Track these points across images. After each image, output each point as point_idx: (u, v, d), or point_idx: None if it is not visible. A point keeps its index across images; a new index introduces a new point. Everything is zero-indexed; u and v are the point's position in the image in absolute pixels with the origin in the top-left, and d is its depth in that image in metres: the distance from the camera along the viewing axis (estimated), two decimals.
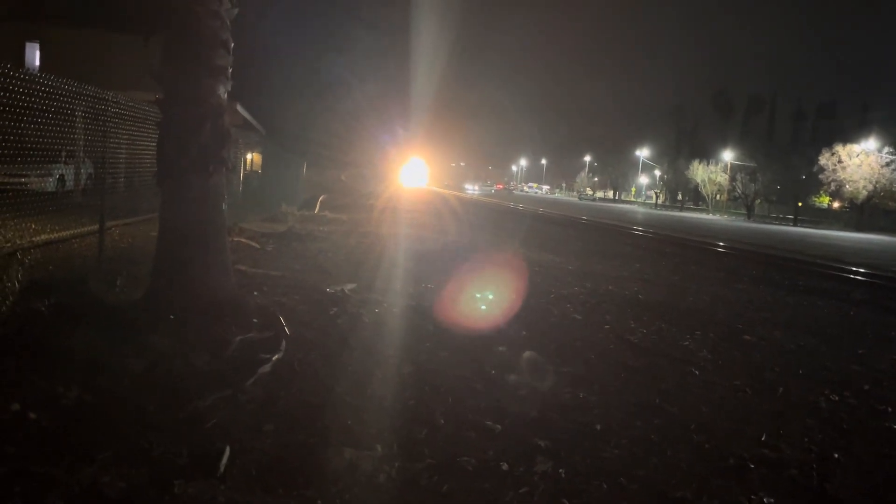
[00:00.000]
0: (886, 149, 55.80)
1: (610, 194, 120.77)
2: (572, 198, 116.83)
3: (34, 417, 3.73)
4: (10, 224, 6.60)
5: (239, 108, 23.86)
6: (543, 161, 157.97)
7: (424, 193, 48.29)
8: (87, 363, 4.51)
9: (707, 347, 6.94)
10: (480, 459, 3.75)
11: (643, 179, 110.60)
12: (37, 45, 25.41)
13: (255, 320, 5.77)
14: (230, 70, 6.03)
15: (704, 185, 77.05)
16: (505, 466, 3.69)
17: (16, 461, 3.26)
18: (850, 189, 56.33)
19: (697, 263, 16.17)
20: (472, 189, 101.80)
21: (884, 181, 54.51)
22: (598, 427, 4.42)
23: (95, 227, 8.00)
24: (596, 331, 7.30)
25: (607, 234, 26.07)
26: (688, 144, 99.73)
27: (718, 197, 76.62)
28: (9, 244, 6.39)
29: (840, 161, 56.46)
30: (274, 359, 5.04)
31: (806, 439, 4.56)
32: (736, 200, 73.88)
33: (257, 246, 11.39)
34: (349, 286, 8.28)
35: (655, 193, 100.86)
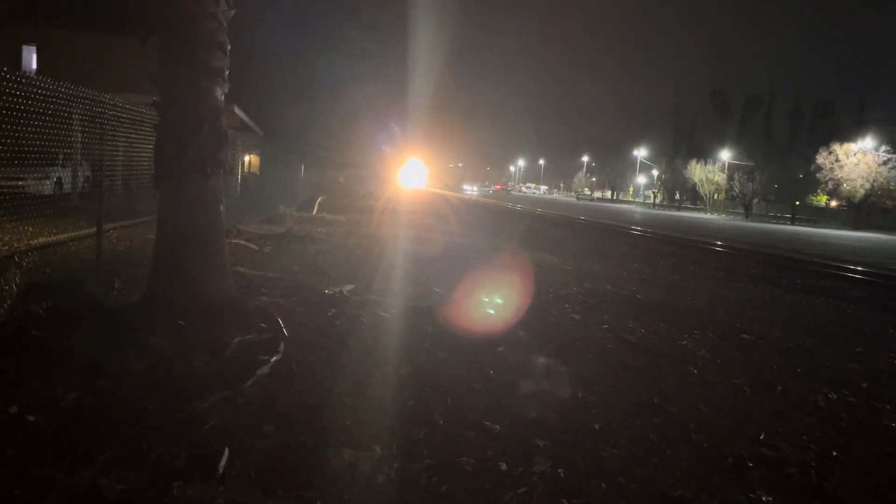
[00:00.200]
0: (883, 147, 55.91)
1: (608, 194, 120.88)
2: (570, 198, 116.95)
3: (33, 420, 3.73)
4: (8, 227, 6.59)
5: (236, 109, 23.87)
6: (541, 161, 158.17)
7: (423, 194, 48.31)
8: (86, 365, 4.51)
9: (706, 347, 6.95)
10: (480, 460, 3.75)
11: (641, 179, 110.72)
12: (34, 48, 25.38)
13: (253, 322, 5.76)
14: (227, 72, 6.03)
15: (702, 185, 77.14)
16: (504, 466, 3.69)
17: (15, 463, 3.26)
18: (847, 188, 56.42)
19: (695, 263, 16.19)
20: (470, 190, 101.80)
21: (881, 180, 54.60)
22: (597, 427, 4.42)
23: (93, 229, 8.00)
24: (595, 331, 7.31)
25: (605, 233, 26.09)
26: (685, 144, 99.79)
27: (716, 196, 76.72)
28: (6, 247, 6.39)
29: (837, 160, 56.55)
30: (272, 360, 5.04)
31: (805, 438, 4.57)
32: (734, 200, 73.96)
33: (255, 247, 11.39)
34: (348, 287, 8.28)
35: (653, 193, 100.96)
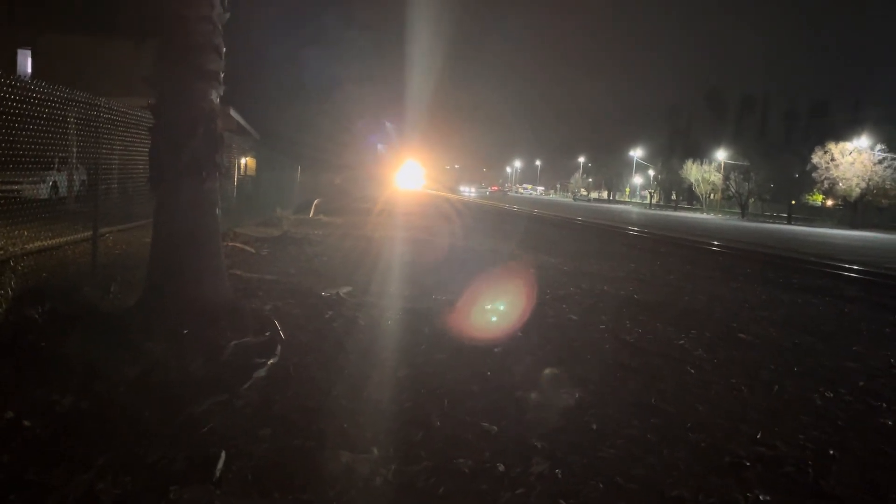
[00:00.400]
0: (879, 146, 56.01)
1: (604, 195, 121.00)
2: (567, 198, 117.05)
3: (29, 424, 3.72)
4: (3, 231, 6.57)
5: (232, 112, 23.85)
6: (538, 162, 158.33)
7: (420, 196, 48.32)
8: (82, 370, 4.50)
9: (703, 346, 6.96)
10: (477, 461, 3.75)
11: (637, 179, 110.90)
12: (29, 52, 25.35)
13: (250, 325, 5.75)
14: (222, 74, 6.02)
15: (698, 185, 77.25)
16: (502, 468, 3.69)
17: (11, 469, 3.25)
18: (843, 187, 56.54)
19: (692, 263, 16.21)
20: (468, 191, 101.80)
21: (876, 178, 54.73)
22: (595, 427, 4.42)
23: (89, 233, 7.97)
24: (592, 331, 7.31)
25: (602, 234, 26.11)
26: (681, 144, 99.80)
27: (712, 196, 76.84)
28: (2, 252, 6.37)
29: (833, 159, 56.67)
30: (269, 363, 5.04)
31: (802, 437, 4.57)
32: (730, 199, 74.10)
33: (252, 250, 11.38)
34: (345, 289, 8.28)
35: (650, 193, 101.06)
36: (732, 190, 70.92)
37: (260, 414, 4.17)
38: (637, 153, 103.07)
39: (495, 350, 6.11)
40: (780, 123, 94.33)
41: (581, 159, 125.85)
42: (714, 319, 8.55)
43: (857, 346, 7.60)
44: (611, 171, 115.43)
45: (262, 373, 4.85)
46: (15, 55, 24.79)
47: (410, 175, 53.02)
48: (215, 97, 5.97)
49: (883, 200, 56.41)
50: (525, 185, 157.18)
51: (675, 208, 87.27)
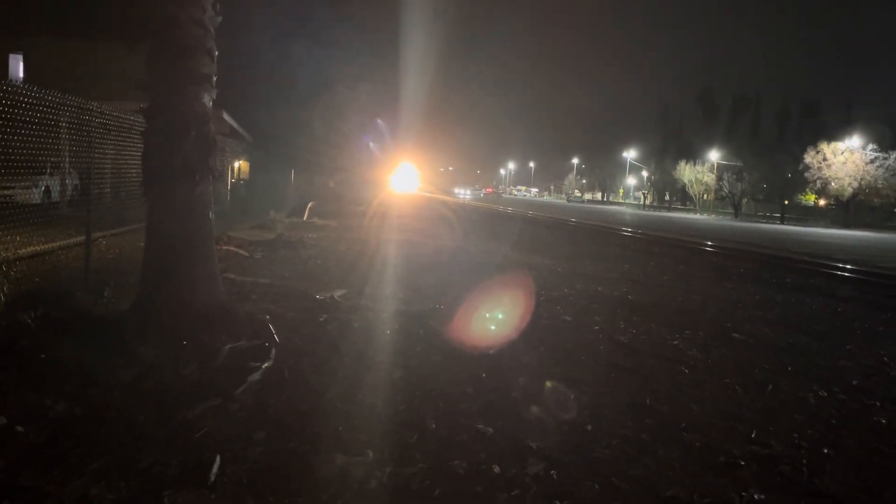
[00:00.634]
0: (870, 146, 56.27)
1: (598, 196, 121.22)
2: (561, 200, 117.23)
3: (22, 430, 3.70)
4: None
5: (225, 115, 23.81)
6: (531, 164, 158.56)
7: (414, 198, 48.31)
8: (76, 375, 4.48)
9: (697, 346, 6.97)
10: (472, 463, 3.75)
11: (631, 180, 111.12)
12: (20, 57, 25.25)
13: (244, 328, 5.74)
14: (215, 78, 6.02)
15: (691, 185, 77.46)
16: (497, 469, 3.69)
17: (5, 474, 3.24)
18: (835, 186, 56.75)
19: (686, 263, 16.25)
20: (462, 193, 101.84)
21: (868, 178, 54.94)
22: (590, 427, 4.43)
23: (82, 238, 7.95)
24: (586, 332, 7.32)
25: (596, 235, 26.15)
26: (674, 145, 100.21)
27: (706, 197, 77.06)
28: None
29: (825, 159, 56.88)
30: (264, 366, 5.03)
31: (796, 435, 4.59)
32: (723, 200, 74.30)
33: (246, 254, 11.36)
34: (339, 292, 8.27)
35: (643, 194, 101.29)
36: (725, 190, 71.14)
37: (254, 417, 4.16)
38: (630, 154, 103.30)
39: (490, 352, 6.11)
40: (773, 124, 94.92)
41: (575, 161, 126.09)
42: (708, 319, 8.57)
43: (851, 345, 7.63)
44: (604, 173, 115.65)
45: (256, 376, 4.84)
46: (6, 60, 24.70)
47: (405, 177, 52.95)
48: (208, 101, 5.97)
49: (875, 200, 56.63)
50: (519, 187, 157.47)
51: (669, 209, 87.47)
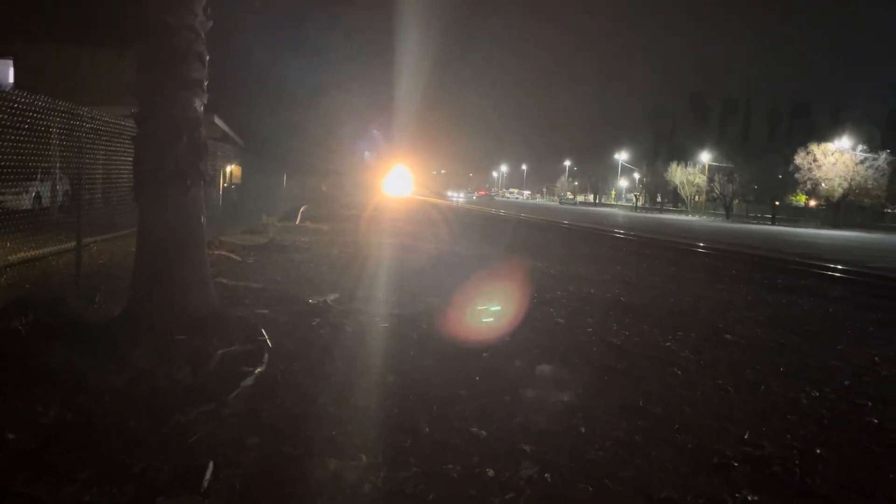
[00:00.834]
0: (860, 147, 56.66)
1: (590, 198, 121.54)
2: (553, 202, 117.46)
3: (13, 438, 3.68)
4: None
5: (217, 120, 23.73)
6: (524, 166, 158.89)
7: (408, 202, 48.30)
8: (67, 381, 4.46)
9: (689, 348, 7.00)
10: (466, 466, 3.75)
11: (623, 182, 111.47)
12: (10, 62, 25.14)
13: (237, 333, 5.73)
14: (206, 82, 6.01)
15: (683, 187, 77.76)
16: (491, 473, 3.70)
17: None
18: (825, 187, 57.09)
19: (678, 264, 16.31)
20: (456, 196, 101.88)
21: (858, 178, 55.30)
22: (583, 430, 4.43)
23: (73, 243, 7.91)
24: (579, 334, 7.34)
25: (588, 237, 26.21)
26: (666, 147, 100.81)
27: (697, 198, 77.37)
28: None
29: (815, 160, 57.22)
30: (256, 371, 5.01)
31: (788, 436, 4.61)
32: (714, 201, 74.64)
33: (238, 258, 11.33)
34: (332, 296, 8.26)
35: (635, 196, 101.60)
36: (717, 192, 71.45)
37: (248, 423, 4.15)
38: (622, 156, 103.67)
39: (483, 354, 6.12)
40: (764, 125, 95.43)
41: (567, 163, 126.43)
42: (700, 321, 8.60)
43: (842, 346, 7.68)
44: (596, 175, 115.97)
45: (249, 381, 4.83)
46: None
47: (398, 181, 52.93)
48: (199, 105, 5.96)
49: (865, 200, 56.99)
50: (511, 190, 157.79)
51: (661, 210, 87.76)
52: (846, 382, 6.10)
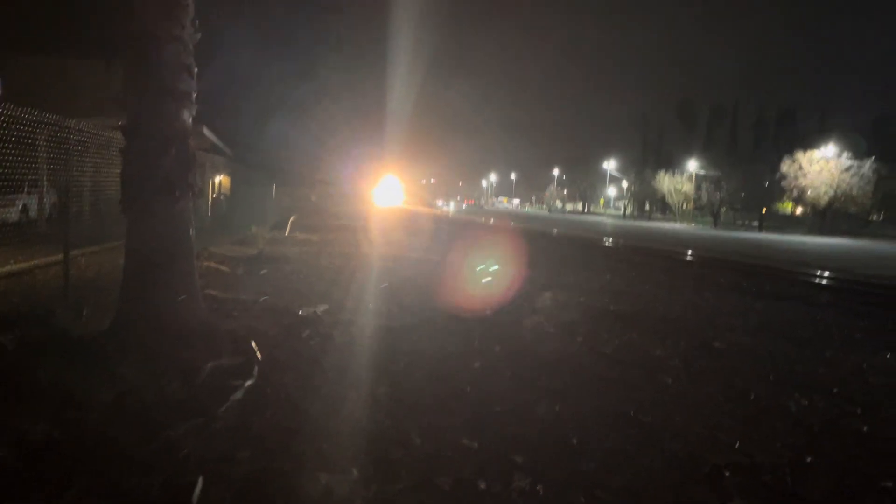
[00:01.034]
0: (845, 154, 57.15)
1: (579, 206, 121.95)
2: (542, 211, 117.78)
3: (0, 455, 3.63)
4: None
5: (206, 131, 23.68)
6: (513, 175, 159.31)
7: (398, 212, 48.29)
8: (55, 397, 4.42)
9: (679, 356, 7.02)
10: (457, 479, 3.74)
11: (611, 191, 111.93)
12: None
13: (226, 346, 5.71)
14: (194, 94, 6.00)
15: (671, 195, 78.12)
16: (483, 485, 3.69)
17: None
18: (812, 195, 57.51)
19: (666, 272, 16.37)
20: (445, 205, 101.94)
21: (844, 186, 55.75)
22: (575, 440, 4.43)
23: (61, 256, 7.87)
24: (569, 343, 7.34)
25: (577, 246, 26.28)
26: (654, 155, 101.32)
27: (685, 206, 77.71)
28: None
29: (801, 168, 57.65)
30: (246, 384, 4.99)
31: (778, 444, 4.62)
32: (702, 209, 74.98)
33: (227, 270, 11.28)
34: (321, 308, 8.24)
35: (624, 205, 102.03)
36: (704, 199, 71.84)
37: (237, 437, 4.12)
38: (610, 165, 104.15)
39: (475, 365, 6.11)
40: (750, 133, 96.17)
41: (555, 172, 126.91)
42: (689, 329, 8.63)
43: (830, 353, 7.72)
44: (585, 183, 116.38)
45: (239, 394, 4.80)
46: None
47: (389, 190, 52.87)
48: (187, 117, 5.95)
49: (851, 207, 57.45)
50: (500, 198, 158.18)
51: (649, 219, 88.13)
52: (835, 389, 6.13)
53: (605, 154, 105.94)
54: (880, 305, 12.46)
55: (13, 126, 6.68)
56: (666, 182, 77.68)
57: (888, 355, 7.75)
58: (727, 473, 4.04)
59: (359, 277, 11.67)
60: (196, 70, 6.00)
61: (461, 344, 6.93)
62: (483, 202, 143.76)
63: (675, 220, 79.53)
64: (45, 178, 8.67)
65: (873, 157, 55.88)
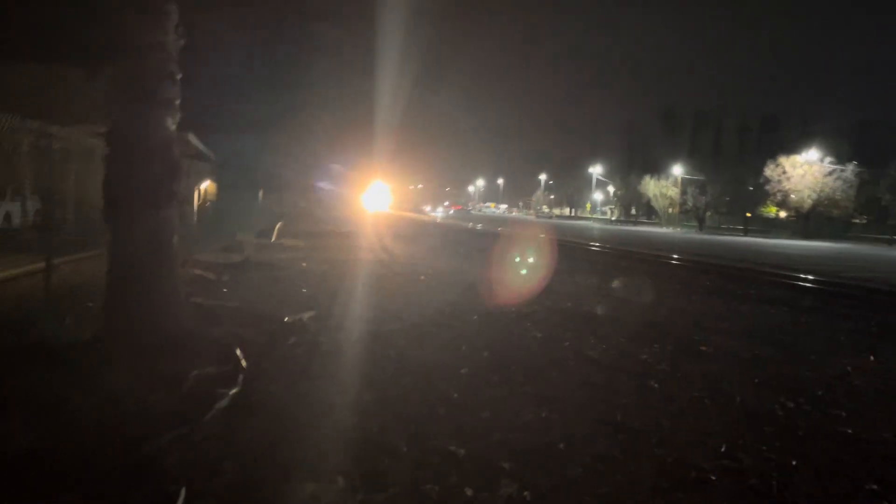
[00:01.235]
0: (828, 159, 57.75)
1: (566, 211, 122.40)
2: (529, 216, 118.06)
3: None
4: None
5: (192, 138, 23.54)
6: (500, 181, 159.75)
7: (386, 217, 48.23)
8: (36, 407, 4.37)
9: (665, 360, 7.04)
10: (444, 486, 3.73)
11: (598, 196, 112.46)
12: None
13: (211, 354, 5.66)
14: (178, 101, 5.96)
15: (656, 200, 78.55)
16: (470, 492, 3.67)
17: None
18: (795, 198, 58.03)
19: (653, 276, 16.43)
20: (433, 211, 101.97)
21: (827, 190, 56.31)
22: (562, 446, 4.43)
23: (43, 264, 7.78)
24: (556, 348, 7.35)
25: (565, 250, 26.33)
26: (640, 160, 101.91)
27: (670, 210, 78.16)
28: None
29: (785, 172, 58.18)
30: (231, 393, 4.95)
31: (765, 448, 4.64)
32: (687, 213, 75.45)
33: (213, 277, 11.21)
34: (308, 314, 8.20)
35: (610, 209, 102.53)
36: (689, 204, 72.31)
37: (222, 446, 4.08)
38: (597, 170, 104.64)
39: (462, 371, 6.10)
40: (734, 138, 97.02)
41: (542, 177, 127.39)
42: (675, 333, 8.66)
43: (814, 356, 7.77)
44: (571, 188, 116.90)
45: (223, 403, 4.76)
46: None
47: (377, 196, 52.79)
48: (171, 124, 5.91)
49: (834, 211, 58.02)
50: (487, 204, 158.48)
51: (635, 223, 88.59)
52: (820, 393, 6.17)
53: (592, 159, 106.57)
54: (864, 308, 12.56)
55: None
56: (651, 186, 78.11)
57: (871, 357, 7.82)
58: (714, 478, 4.05)
59: (346, 283, 11.64)
60: (180, 77, 5.97)
61: (449, 350, 6.92)
62: (470, 207, 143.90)
63: (660, 225, 79.98)
64: (28, 185, 8.59)
65: (855, 162, 56.51)
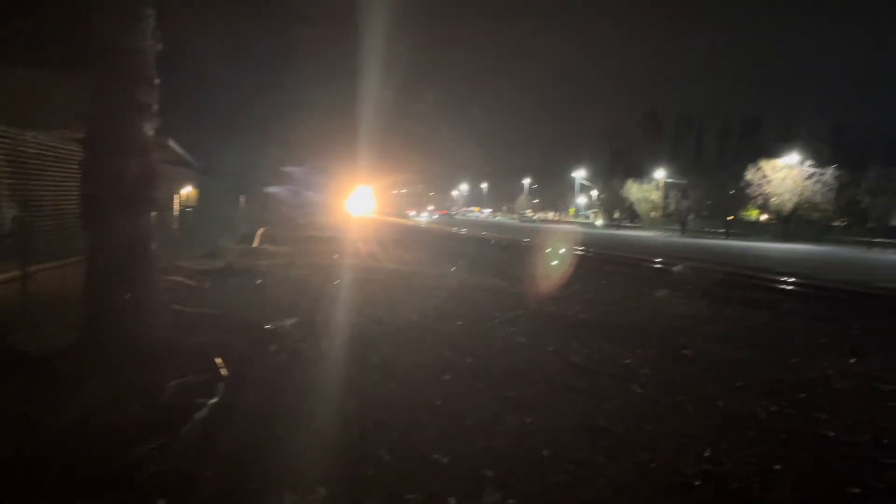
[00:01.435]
0: (808, 162, 58.36)
1: (550, 215, 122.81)
2: (513, 220, 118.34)
3: None
4: None
5: (171, 143, 23.33)
6: (484, 185, 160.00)
7: (370, 222, 48.13)
8: (12, 418, 4.28)
9: (648, 364, 7.05)
10: (427, 494, 3.69)
11: (581, 200, 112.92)
12: None
13: (191, 363, 5.59)
14: (156, 106, 5.89)
15: (639, 204, 79.04)
16: (453, 501, 3.64)
17: None
18: (775, 202, 58.60)
19: (636, 280, 16.51)
20: (418, 216, 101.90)
21: (807, 193, 56.90)
22: (546, 452, 4.40)
23: (19, 272, 7.64)
24: (540, 353, 7.33)
25: (549, 255, 26.38)
26: (622, 164, 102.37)
27: (653, 214, 78.66)
28: None
29: (765, 176, 58.73)
30: (211, 402, 4.88)
31: (747, 452, 4.64)
32: (670, 217, 75.96)
33: (194, 284, 11.10)
34: (290, 321, 8.13)
35: (593, 213, 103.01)
36: (672, 208, 72.81)
37: (201, 457, 4.02)
38: (580, 174, 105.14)
39: (445, 377, 6.06)
40: (715, 142, 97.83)
41: (526, 181, 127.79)
42: (658, 337, 8.68)
43: (796, 358, 7.81)
44: (555, 193, 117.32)
45: (203, 413, 4.69)
46: None
47: (361, 200, 52.66)
48: (149, 129, 5.84)
49: (814, 214, 58.64)
50: (471, 208, 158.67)
51: (618, 227, 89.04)
52: (802, 395, 6.20)
53: (575, 164, 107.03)
54: (844, 310, 12.67)
55: None
56: (634, 190, 78.59)
57: (852, 360, 7.88)
58: (697, 483, 4.05)
59: (328, 289, 11.57)
60: (158, 81, 5.90)
61: (432, 355, 6.88)
62: (455, 212, 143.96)
63: (643, 228, 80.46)
64: (3, 192, 8.44)
65: (835, 165, 57.17)
